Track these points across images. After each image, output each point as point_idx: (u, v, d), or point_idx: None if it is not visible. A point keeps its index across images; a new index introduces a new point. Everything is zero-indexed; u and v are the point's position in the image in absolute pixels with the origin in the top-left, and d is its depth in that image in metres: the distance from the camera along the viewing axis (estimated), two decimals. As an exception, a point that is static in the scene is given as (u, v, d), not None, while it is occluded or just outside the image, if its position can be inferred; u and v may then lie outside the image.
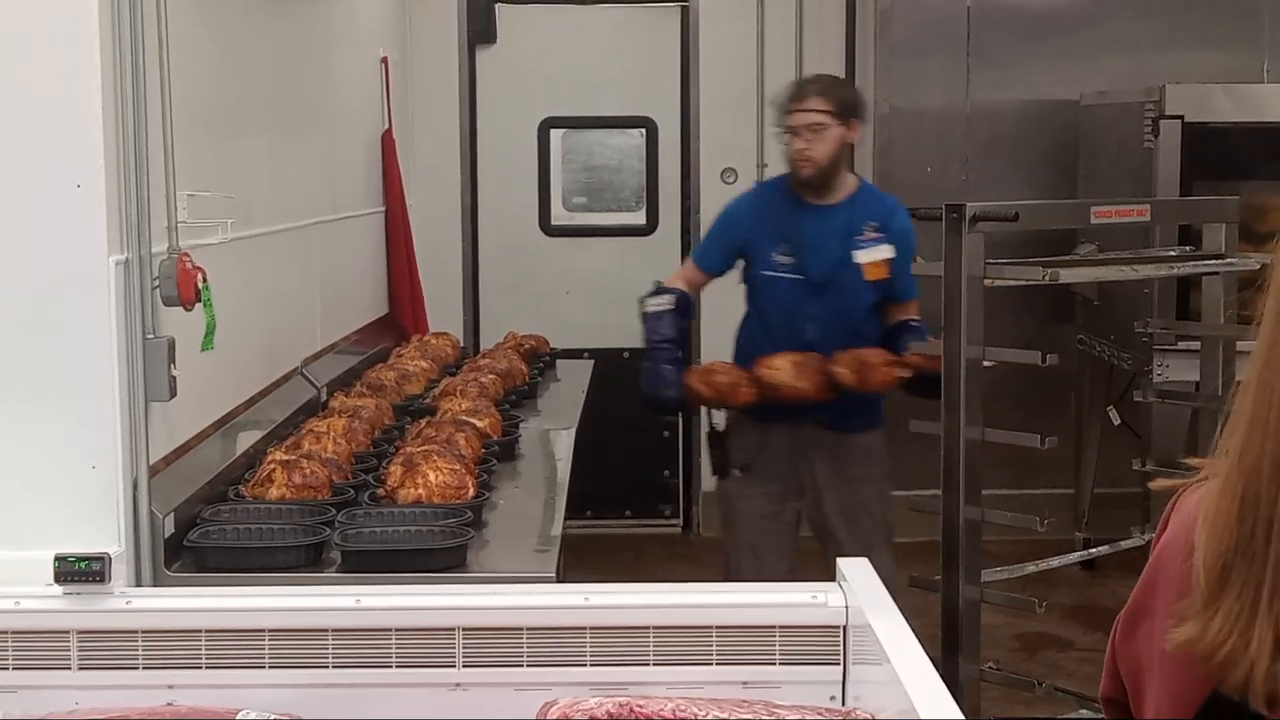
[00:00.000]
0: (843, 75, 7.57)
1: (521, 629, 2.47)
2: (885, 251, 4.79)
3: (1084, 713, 5.00)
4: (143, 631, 2.49)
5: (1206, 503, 1.54)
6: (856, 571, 2.52)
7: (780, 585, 2.62)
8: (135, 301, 3.19)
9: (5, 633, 2.49)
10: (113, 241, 3.13)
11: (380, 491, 3.81)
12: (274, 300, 4.57)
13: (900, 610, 2.34)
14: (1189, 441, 5.68)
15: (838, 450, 4.88)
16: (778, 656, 2.46)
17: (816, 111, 4.70)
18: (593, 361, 6.46)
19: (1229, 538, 1.50)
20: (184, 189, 3.45)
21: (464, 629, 2.47)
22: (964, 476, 4.49)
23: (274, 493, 3.73)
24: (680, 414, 4.38)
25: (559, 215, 7.85)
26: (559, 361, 6.25)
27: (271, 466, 3.79)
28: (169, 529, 3.32)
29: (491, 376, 5.17)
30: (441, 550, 3.37)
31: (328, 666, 2.47)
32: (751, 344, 4.87)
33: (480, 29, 7.68)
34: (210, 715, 2.35)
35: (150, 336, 3.22)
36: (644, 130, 7.80)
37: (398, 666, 2.47)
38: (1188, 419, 5.71)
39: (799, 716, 2.30)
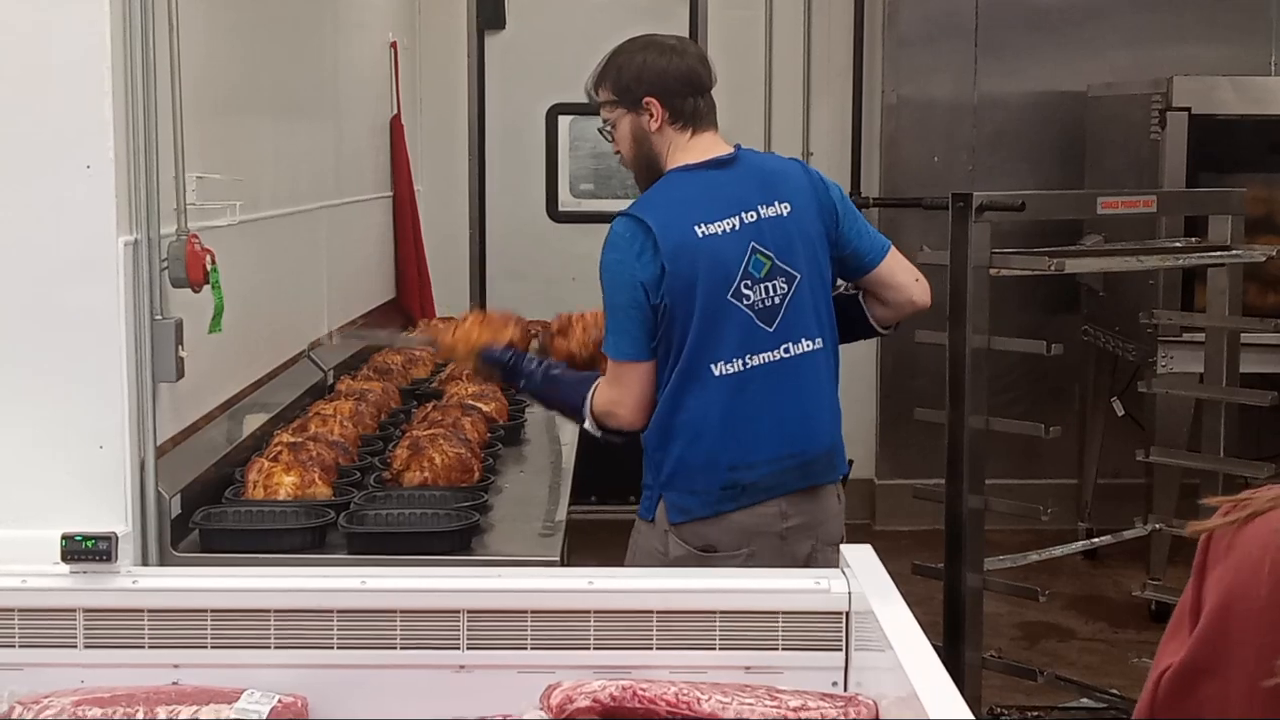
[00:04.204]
0: (850, 65, 7.63)
1: (526, 612, 2.48)
2: None
3: (1085, 701, 5.02)
4: (149, 611, 2.50)
5: None
6: (860, 558, 2.53)
7: (783, 571, 2.63)
8: (144, 283, 3.19)
9: (12, 610, 2.50)
10: (122, 222, 3.14)
11: (386, 475, 3.82)
12: (282, 283, 4.58)
13: (903, 598, 2.35)
14: (1192, 433, 5.70)
15: None
16: (780, 642, 2.47)
17: (604, 105, 3.52)
18: (598, 347, 6.45)
19: None
20: (193, 171, 3.46)
21: (469, 611, 2.48)
22: (968, 465, 4.51)
23: (280, 475, 3.74)
24: None
25: (566, 201, 7.84)
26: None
27: (278, 449, 3.80)
28: (175, 509, 3.34)
29: (497, 361, 5.17)
30: (446, 533, 3.38)
31: (333, 647, 2.48)
32: None
33: (490, 15, 7.68)
34: (215, 695, 2.36)
35: (158, 318, 3.23)
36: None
37: (402, 648, 2.48)
38: (1191, 411, 5.72)
39: (801, 702, 2.31)
